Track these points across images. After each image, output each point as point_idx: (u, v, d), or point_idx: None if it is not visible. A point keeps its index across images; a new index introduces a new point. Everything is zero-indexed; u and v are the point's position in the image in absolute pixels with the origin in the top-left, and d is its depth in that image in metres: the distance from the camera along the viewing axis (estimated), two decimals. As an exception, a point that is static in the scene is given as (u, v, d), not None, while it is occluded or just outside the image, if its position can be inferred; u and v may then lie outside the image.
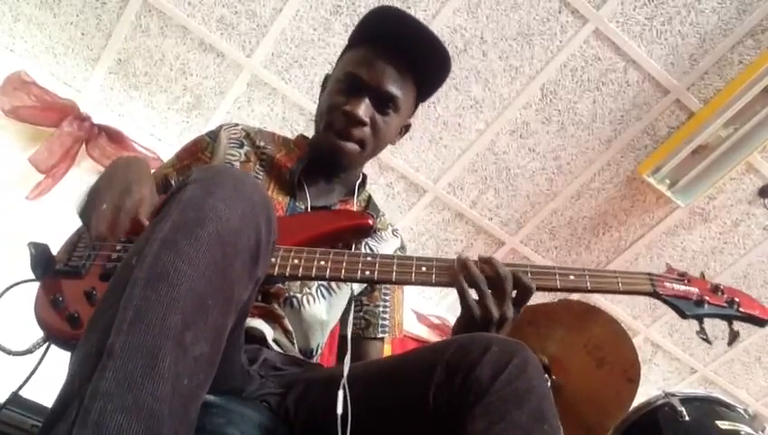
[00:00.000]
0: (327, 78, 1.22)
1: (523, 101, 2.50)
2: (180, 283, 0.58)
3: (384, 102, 1.11)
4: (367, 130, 1.11)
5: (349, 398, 0.82)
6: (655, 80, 2.41)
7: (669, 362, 3.34)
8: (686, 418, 1.45)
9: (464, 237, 2.97)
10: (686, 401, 1.51)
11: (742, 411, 1.51)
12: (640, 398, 1.64)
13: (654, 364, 3.34)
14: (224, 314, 0.63)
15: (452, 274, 0.94)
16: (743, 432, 1.42)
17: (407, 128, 1.23)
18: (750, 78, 2.29)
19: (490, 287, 0.91)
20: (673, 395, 1.52)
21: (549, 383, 1.69)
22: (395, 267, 0.95)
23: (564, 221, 2.90)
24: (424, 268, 0.95)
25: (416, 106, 1.21)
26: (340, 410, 0.81)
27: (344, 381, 0.84)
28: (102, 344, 0.54)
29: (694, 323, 1.01)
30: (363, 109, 1.09)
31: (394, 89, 1.10)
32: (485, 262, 0.94)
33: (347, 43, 1.19)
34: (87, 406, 0.50)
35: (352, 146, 1.11)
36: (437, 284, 0.95)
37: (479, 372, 0.72)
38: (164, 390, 0.53)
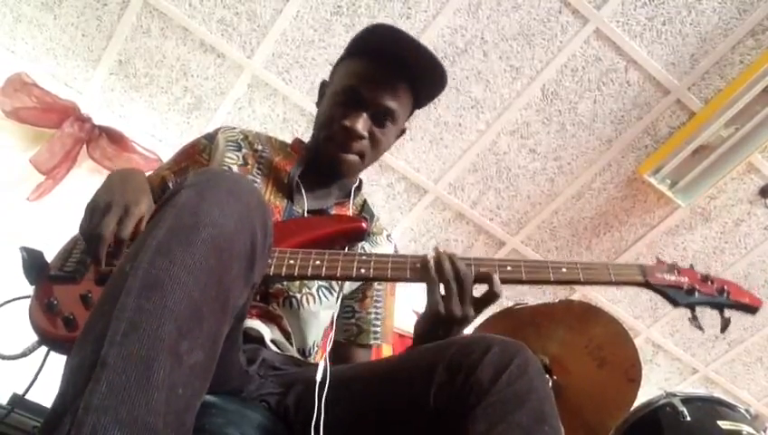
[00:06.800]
0: (324, 84, 1.23)
1: (524, 102, 2.50)
2: (175, 291, 0.57)
3: (382, 116, 1.13)
4: (366, 142, 1.13)
5: (339, 391, 0.84)
6: (655, 80, 2.40)
7: (670, 362, 3.34)
8: (688, 418, 1.45)
9: (464, 238, 2.97)
10: (688, 401, 1.51)
11: (743, 411, 1.51)
12: (641, 398, 1.64)
13: (655, 364, 3.33)
14: (219, 321, 0.62)
15: (424, 269, 0.94)
16: (744, 432, 1.42)
17: (402, 132, 1.25)
18: (751, 78, 2.28)
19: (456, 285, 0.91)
20: (674, 395, 1.52)
21: (550, 384, 1.69)
22: (390, 265, 0.96)
23: (565, 221, 2.90)
24: (418, 265, 0.96)
25: (411, 113, 1.23)
26: (319, 378, 0.84)
27: (326, 355, 0.88)
28: (96, 356, 0.53)
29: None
30: (362, 124, 1.10)
31: (393, 104, 1.12)
32: (449, 259, 0.94)
33: (344, 51, 1.20)
34: (80, 420, 0.49)
35: (353, 157, 1.14)
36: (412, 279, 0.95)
37: (480, 373, 0.72)
38: (159, 402, 0.52)
